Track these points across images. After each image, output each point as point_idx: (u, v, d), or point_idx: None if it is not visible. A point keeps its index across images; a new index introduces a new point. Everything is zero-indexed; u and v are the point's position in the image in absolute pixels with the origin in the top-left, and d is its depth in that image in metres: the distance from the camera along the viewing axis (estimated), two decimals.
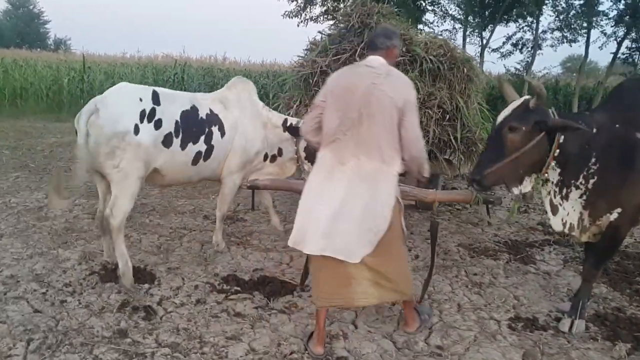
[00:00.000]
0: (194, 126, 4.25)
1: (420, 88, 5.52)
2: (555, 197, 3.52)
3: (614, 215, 3.42)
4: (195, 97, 4.57)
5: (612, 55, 18.36)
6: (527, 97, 3.34)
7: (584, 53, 19.07)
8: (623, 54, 17.86)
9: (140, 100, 3.96)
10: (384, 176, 2.95)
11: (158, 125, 3.98)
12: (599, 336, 3.61)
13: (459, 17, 21.02)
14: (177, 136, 4.11)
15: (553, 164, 3.37)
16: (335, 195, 2.93)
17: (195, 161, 4.30)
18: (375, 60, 3.01)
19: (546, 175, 3.43)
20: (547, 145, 3.29)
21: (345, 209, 2.92)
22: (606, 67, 19.75)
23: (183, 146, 4.16)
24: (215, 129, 4.42)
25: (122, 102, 3.95)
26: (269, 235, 5.49)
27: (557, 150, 3.31)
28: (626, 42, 17.80)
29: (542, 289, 4.44)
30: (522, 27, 20.03)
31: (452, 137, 5.75)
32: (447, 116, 5.71)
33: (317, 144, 3.16)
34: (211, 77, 17.62)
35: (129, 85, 4.22)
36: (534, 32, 19.45)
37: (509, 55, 20.88)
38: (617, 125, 3.39)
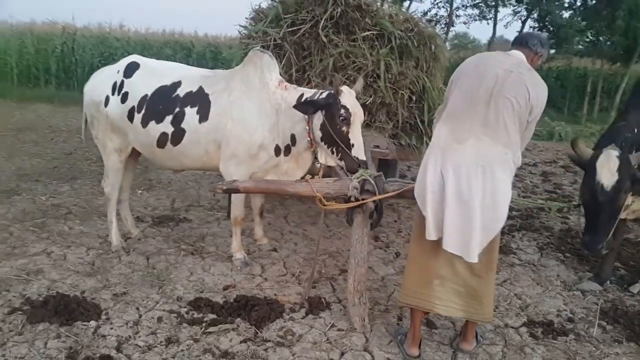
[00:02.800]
0: (160, 104, 3.89)
1: (392, 66, 4.93)
2: None
3: None
4: (192, 73, 4.11)
5: (517, 34, 19.08)
6: (616, 152, 3.31)
7: (492, 31, 19.71)
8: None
9: (118, 72, 4.08)
10: (503, 164, 2.63)
11: (124, 98, 3.99)
12: (623, 338, 3.39)
13: None
14: (139, 112, 3.93)
15: None
16: (449, 179, 2.61)
17: (161, 143, 3.91)
18: (519, 54, 2.86)
19: None
20: None
21: (462, 197, 2.60)
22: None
23: (144, 124, 3.92)
24: (190, 111, 3.78)
25: (103, 73, 4.22)
26: (225, 239, 4.67)
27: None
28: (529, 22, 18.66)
29: (537, 284, 4.18)
30: (437, 3, 20.18)
31: (419, 120, 5.25)
32: (414, 97, 5.20)
33: None
34: (106, 47, 15.62)
35: (134, 55, 4.31)
36: (449, 9, 19.69)
37: None
38: None
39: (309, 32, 4.96)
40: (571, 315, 3.65)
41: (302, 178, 3.72)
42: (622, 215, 3.72)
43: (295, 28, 5.00)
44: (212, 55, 16.94)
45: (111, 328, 3.12)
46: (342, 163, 3.48)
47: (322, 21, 4.82)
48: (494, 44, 20.39)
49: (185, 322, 3.24)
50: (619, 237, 4.13)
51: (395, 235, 5.09)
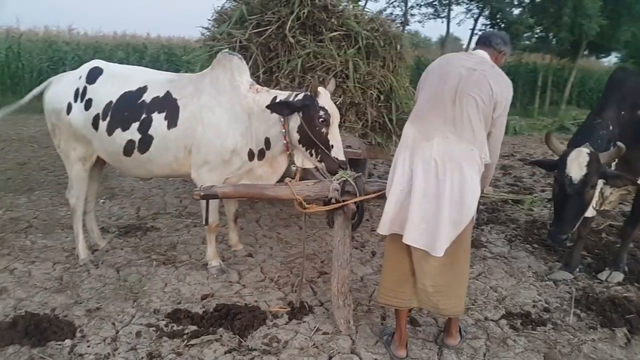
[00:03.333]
0: (126, 110, 3.74)
1: (359, 67, 4.93)
2: None
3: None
4: (158, 77, 3.96)
5: (470, 32, 19.52)
6: (587, 149, 3.47)
7: (446, 29, 20.00)
8: (480, 30, 19.00)
9: (80, 77, 3.92)
10: (470, 160, 2.66)
11: (88, 105, 3.83)
12: (597, 324, 3.49)
13: None
14: (103, 119, 3.79)
15: None
16: (417, 176, 2.66)
17: (127, 152, 3.77)
18: (483, 53, 2.93)
19: None
20: None
21: (429, 193, 2.65)
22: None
23: (110, 131, 3.78)
24: (158, 117, 3.65)
25: (65, 79, 4.04)
26: (198, 247, 4.55)
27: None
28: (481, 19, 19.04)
29: (510, 275, 4.26)
30: (392, 3, 20.30)
31: (387, 119, 5.28)
32: (382, 97, 5.22)
33: None
34: (54, 52, 14.95)
35: (96, 60, 4.12)
36: (404, 8, 19.85)
37: None
38: (622, 113, 3.88)
39: (276, 33, 4.92)
40: (546, 305, 3.73)
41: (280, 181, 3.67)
42: (601, 207, 3.99)
43: (261, 29, 4.94)
44: (167, 57, 16.58)
45: (88, 346, 2.98)
46: (322, 165, 3.44)
47: (289, 22, 4.77)
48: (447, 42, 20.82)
49: (165, 335, 3.13)
50: (588, 225, 4.30)
51: (370, 235, 5.10)
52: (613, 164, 3.73)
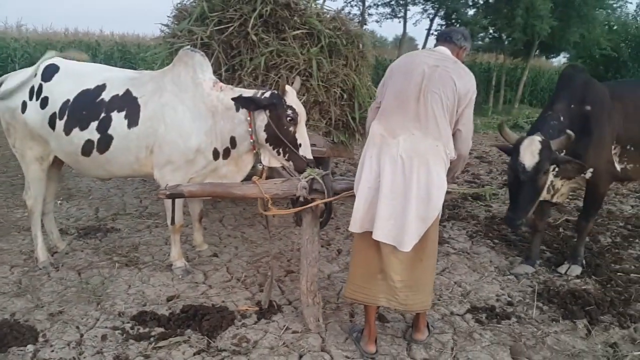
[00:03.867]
0: (84, 109, 3.64)
1: (323, 65, 4.95)
2: None
3: (587, 175, 4.09)
4: (117, 75, 3.87)
5: (426, 32, 19.90)
6: (539, 137, 3.64)
7: (402, 29, 20.31)
8: (436, 30, 19.35)
9: (35, 75, 3.79)
10: (436, 156, 2.71)
11: (44, 104, 3.71)
12: (559, 317, 3.60)
13: None
14: (60, 118, 3.67)
15: None
16: (385, 173, 2.70)
17: (86, 152, 3.67)
18: (444, 49, 2.97)
19: None
20: None
21: (396, 190, 2.69)
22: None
23: (67, 131, 3.67)
24: (118, 116, 3.56)
25: (19, 76, 3.88)
26: (161, 248, 4.48)
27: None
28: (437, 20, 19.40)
29: (473, 270, 4.36)
30: (350, 2, 20.42)
31: (350, 118, 5.33)
32: (344, 95, 5.26)
33: None
34: (2, 49, 14.31)
35: (52, 57, 3.96)
36: (362, 7, 20.02)
37: None
38: (572, 107, 4.08)
39: (238, 31, 4.87)
40: (510, 299, 3.83)
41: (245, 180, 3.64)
42: (553, 199, 4.15)
43: (223, 27, 4.89)
44: (121, 54, 16.21)
45: (52, 351, 2.89)
46: (290, 164, 3.44)
47: (252, 20, 4.74)
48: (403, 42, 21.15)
49: (131, 338, 3.06)
50: (544, 219, 4.51)
51: (335, 232, 5.13)
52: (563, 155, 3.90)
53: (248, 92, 3.56)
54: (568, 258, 4.46)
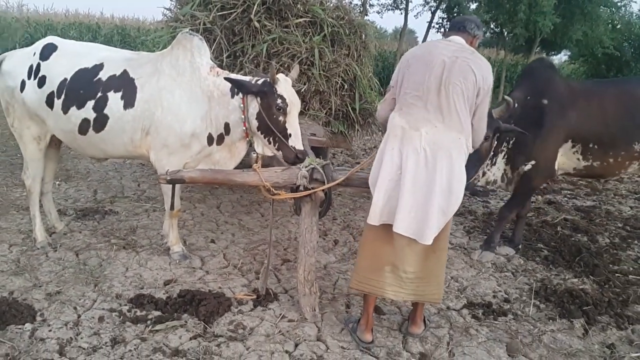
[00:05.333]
0: (81, 88, 3.64)
1: (325, 54, 4.94)
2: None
3: (527, 167, 4.31)
4: (115, 55, 3.84)
5: (427, 24, 19.85)
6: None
7: (403, 20, 20.21)
8: (437, 23, 19.37)
9: (34, 54, 3.79)
10: (458, 149, 2.72)
11: (41, 82, 3.72)
12: (556, 315, 3.61)
13: None
14: (58, 97, 3.67)
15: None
16: (408, 165, 2.69)
17: (82, 130, 3.67)
18: (459, 39, 2.91)
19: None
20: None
21: (419, 182, 2.69)
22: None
23: (65, 110, 3.67)
24: (114, 96, 3.55)
25: (18, 55, 3.90)
26: (158, 232, 4.49)
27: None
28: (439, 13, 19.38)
29: (470, 266, 4.38)
30: None
31: (350, 109, 5.33)
32: (345, 86, 5.26)
33: None
34: (2, 28, 14.15)
35: (51, 37, 3.97)
36: None
37: None
38: (528, 98, 4.24)
39: (241, 17, 4.84)
40: (506, 296, 3.83)
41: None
42: (509, 189, 4.56)
43: (225, 12, 4.87)
44: (121, 37, 16.10)
45: (49, 330, 2.91)
46: (279, 153, 3.44)
47: (255, 6, 4.72)
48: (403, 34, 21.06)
49: (128, 320, 3.08)
50: (527, 207, 4.86)
51: (332, 223, 5.15)
52: (511, 142, 4.28)
53: (245, 79, 3.55)
54: (482, 244, 4.66)
